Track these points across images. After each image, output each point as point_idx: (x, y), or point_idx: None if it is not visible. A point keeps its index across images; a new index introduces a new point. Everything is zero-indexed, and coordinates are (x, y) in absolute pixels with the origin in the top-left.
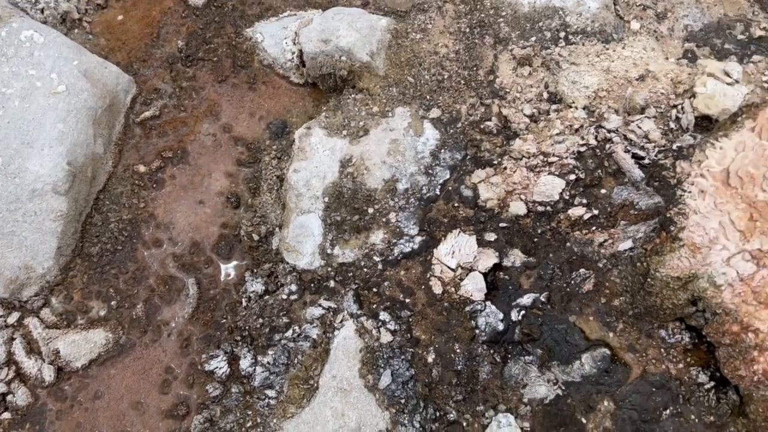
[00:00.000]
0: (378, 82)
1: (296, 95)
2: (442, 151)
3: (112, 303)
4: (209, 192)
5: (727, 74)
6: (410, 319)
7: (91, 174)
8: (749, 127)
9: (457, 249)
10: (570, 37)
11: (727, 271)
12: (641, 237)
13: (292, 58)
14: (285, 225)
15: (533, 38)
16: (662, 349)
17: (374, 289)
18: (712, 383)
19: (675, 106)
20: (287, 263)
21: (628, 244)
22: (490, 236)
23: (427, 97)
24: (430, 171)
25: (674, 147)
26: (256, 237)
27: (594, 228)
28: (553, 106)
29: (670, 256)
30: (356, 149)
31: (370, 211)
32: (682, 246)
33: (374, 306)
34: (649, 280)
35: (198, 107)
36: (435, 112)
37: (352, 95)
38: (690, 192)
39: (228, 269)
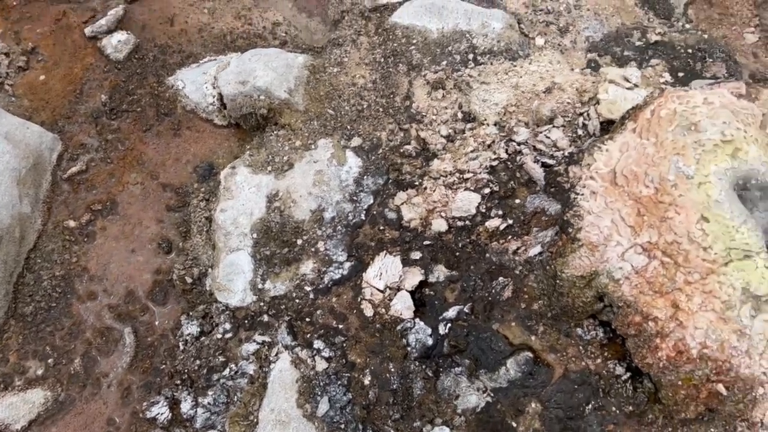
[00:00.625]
0: (299, 117)
1: (221, 137)
2: (365, 177)
3: (49, 361)
4: (141, 240)
5: (627, 79)
6: (344, 345)
7: (19, 234)
8: (631, 128)
9: (385, 271)
10: (478, 58)
11: (623, 266)
12: (548, 241)
13: (214, 102)
14: (215, 265)
15: (444, 62)
16: (580, 347)
17: (307, 319)
18: (628, 374)
19: (581, 114)
20: (220, 302)
21: (538, 249)
22: (416, 255)
23: (348, 126)
24: (354, 198)
25: (566, 154)
26: (189, 279)
27: (510, 237)
28: (468, 125)
29: (572, 257)
30: (282, 183)
31: (299, 242)
32: (581, 246)
33: (308, 335)
34: (558, 281)
35: (125, 158)
36: (356, 141)
37: (275, 132)
38: (583, 194)
39: (164, 314)
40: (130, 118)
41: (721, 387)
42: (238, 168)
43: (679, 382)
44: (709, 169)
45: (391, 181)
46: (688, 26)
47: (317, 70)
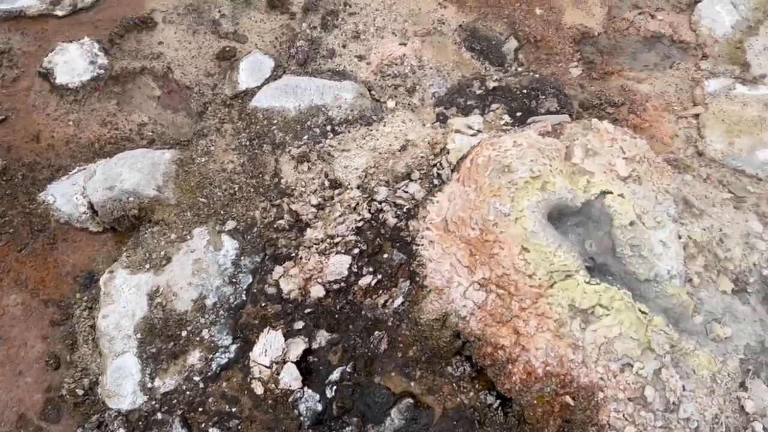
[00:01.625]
0: (172, 210)
1: (98, 243)
2: (243, 257)
3: None
4: (27, 361)
5: (470, 127)
6: (239, 427)
7: None
8: (456, 178)
9: (269, 346)
10: (336, 128)
11: (466, 303)
12: (406, 291)
13: (85, 211)
14: (103, 372)
15: (306, 137)
16: (454, 384)
17: (200, 409)
18: (498, 401)
19: (434, 165)
20: (112, 409)
21: (401, 299)
22: (299, 324)
23: (222, 211)
24: (234, 279)
25: (404, 210)
26: (80, 392)
27: (380, 291)
28: (336, 191)
29: (424, 303)
30: (161, 279)
31: (183, 333)
32: (429, 292)
33: (203, 425)
34: (419, 327)
35: (2, 281)
36: (231, 224)
37: (149, 229)
38: (422, 245)
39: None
40: (3, 240)
41: (568, 398)
42: (116, 271)
43: (535, 401)
44: (523, 204)
45: (268, 257)
46: (520, 69)
47: (185, 162)
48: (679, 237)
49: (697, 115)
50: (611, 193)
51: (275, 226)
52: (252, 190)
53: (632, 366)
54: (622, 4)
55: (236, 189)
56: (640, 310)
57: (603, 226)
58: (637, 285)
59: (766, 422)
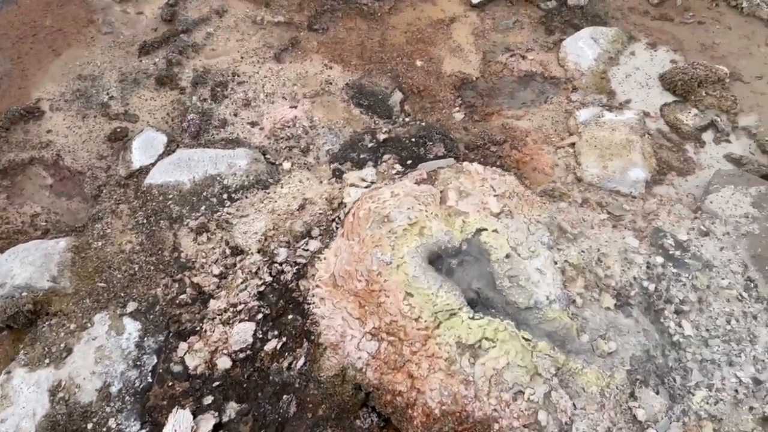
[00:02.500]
0: (69, 300)
1: None
2: (146, 338)
3: None
4: None
5: (364, 179)
6: None
7: None
8: (340, 233)
9: (178, 426)
10: (233, 195)
11: (361, 355)
12: (306, 351)
13: None
14: None
15: (203, 207)
16: None
17: None
18: None
19: (333, 220)
20: None
21: (303, 360)
22: (208, 399)
23: (122, 294)
24: (138, 362)
25: (294, 270)
26: None
27: (286, 353)
28: (238, 258)
29: (323, 360)
30: (63, 372)
31: (89, 426)
32: (325, 348)
33: None
34: (322, 384)
35: None
36: (132, 306)
37: (47, 322)
38: (314, 303)
39: None
40: None
41: None
42: (13, 371)
43: None
44: (403, 251)
45: (172, 334)
46: (407, 119)
47: (82, 248)
48: (555, 263)
49: (572, 144)
50: (486, 229)
51: (178, 301)
52: (152, 267)
53: (523, 393)
54: (495, 49)
55: (136, 269)
56: (524, 338)
57: (482, 262)
58: (520, 314)
59: (659, 427)
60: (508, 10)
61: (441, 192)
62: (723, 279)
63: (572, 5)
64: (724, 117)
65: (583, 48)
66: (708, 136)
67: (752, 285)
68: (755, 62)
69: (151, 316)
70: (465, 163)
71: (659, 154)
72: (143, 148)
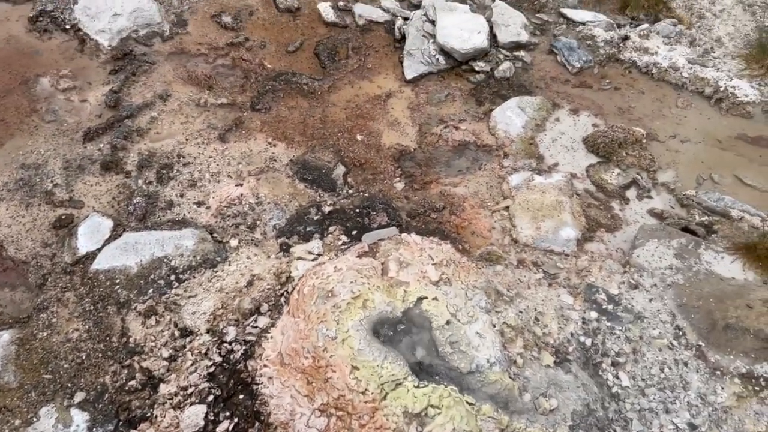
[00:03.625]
0: (13, 395)
1: None
2: (95, 429)
3: None
4: None
5: (310, 252)
6: None
7: None
8: (286, 311)
9: None
10: (181, 276)
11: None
12: (256, 431)
13: None
14: None
15: (150, 290)
16: None
17: None
18: None
19: (282, 294)
20: None
21: None
22: None
23: (69, 384)
24: None
25: (243, 349)
26: None
27: None
28: (187, 339)
29: None
30: None
31: None
32: (275, 428)
33: None
34: None
35: None
36: (80, 396)
37: None
38: (262, 383)
39: None
40: None
41: None
42: None
43: None
44: (348, 325)
45: (121, 422)
46: (351, 191)
47: (26, 340)
48: (494, 325)
49: (507, 208)
50: (426, 298)
51: (127, 388)
52: (100, 355)
53: None
54: (430, 121)
55: (83, 357)
56: (467, 402)
57: (424, 330)
58: (463, 378)
59: None
60: (440, 84)
61: (382, 264)
62: (654, 329)
63: (499, 77)
64: (644, 175)
65: (511, 117)
66: (631, 193)
67: (681, 333)
68: (668, 123)
69: (100, 406)
70: (404, 235)
71: (588, 212)
72: (89, 234)
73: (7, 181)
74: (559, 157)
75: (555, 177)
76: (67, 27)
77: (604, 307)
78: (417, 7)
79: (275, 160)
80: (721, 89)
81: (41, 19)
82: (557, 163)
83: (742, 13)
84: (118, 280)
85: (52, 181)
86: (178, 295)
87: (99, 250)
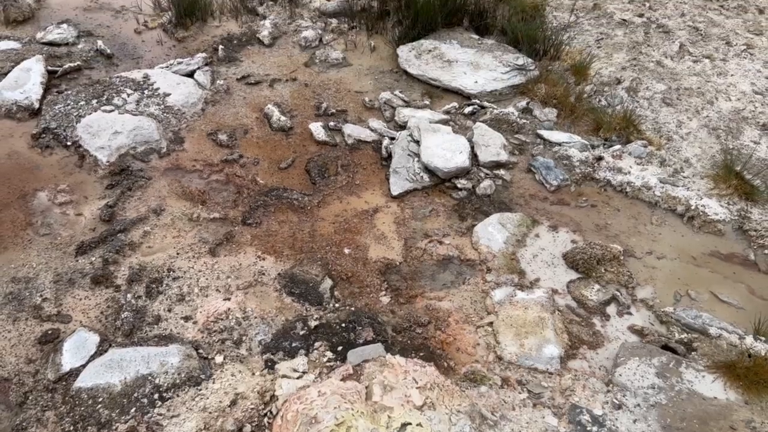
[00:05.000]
0: None
1: None
2: None
3: None
4: None
5: (295, 370)
6: None
7: None
8: (277, 425)
9: None
10: (164, 395)
11: None
12: None
13: None
14: None
15: (133, 410)
16: None
17: None
18: None
19: (265, 414)
20: None
21: None
22: None
23: None
24: None
25: None
26: None
27: None
28: None
29: None
30: None
31: None
32: None
33: None
34: None
35: None
36: None
37: None
38: None
39: None
40: None
41: None
42: None
43: None
44: None
45: None
46: (337, 305)
47: None
48: None
49: (491, 323)
50: (410, 424)
51: None
52: None
53: None
54: (415, 235)
55: None
56: None
57: None
58: None
59: None
60: (425, 200)
61: (366, 388)
62: None
63: (480, 194)
64: (623, 291)
65: (492, 232)
66: (612, 309)
67: None
68: (644, 239)
69: None
70: (389, 356)
71: (570, 328)
72: (74, 350)
73: None
74: (541, 273)
75: (537, 293)
76: (69, 143)
77: (588, 429)
78: (403, 127)
79: (264, 274)
80: (692, 208)
81: (44, 135)
82: (539, 279)
83: (707, 136)
84: (100, 399)
85: (41, 295)
86: (161, 414)
87: (83, 366)
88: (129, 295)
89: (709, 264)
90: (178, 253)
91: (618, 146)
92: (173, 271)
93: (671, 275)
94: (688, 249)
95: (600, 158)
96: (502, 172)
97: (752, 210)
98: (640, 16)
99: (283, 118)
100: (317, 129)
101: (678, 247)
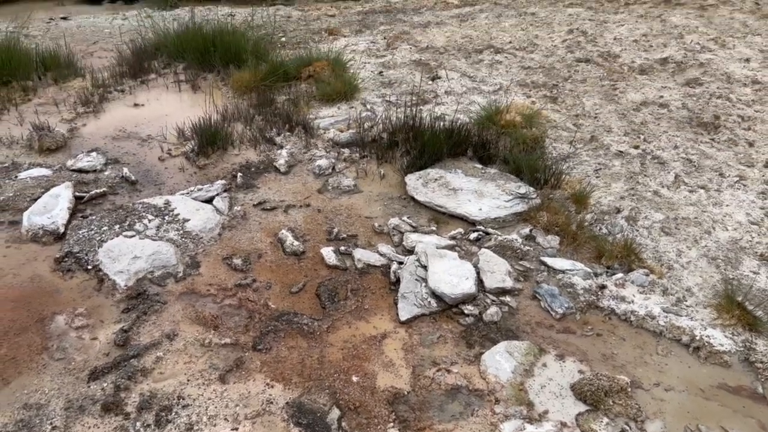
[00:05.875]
0: None
1: None
2: None
3: None
4: None
5: None
6: None
7: None
8: None
9: None
10: None
11: None
12: None
13: None
14: None
15: None
16: None
17: None
18: None
19: None
20: None
21: None
22: None
23: None
24: None
25: None
26: None
27: None
28: None
29: None
30: None
31: None
32: None
33: None
34: None
35: None
36: None
37: None
38: None
39: None
40: None
41: None
42: None
43: None
44: None
45: None
46: None
47: None
48: None
49: None
50: None
51: None
52: None
53: None
54: (423, 363)
55: None
56: None
57: None
58: None
59: None
60: (433, 326)
61: None
62: None
63: (487, 321)
64: (632, 425)
65: (500, 361)
66: None
67: None
68: (651, 370)
69: None
70: None
71: None
72: None
73: (7, 422)
74: (549, 405)
75: (546, 426)
76: (89, 267)
77: None
78: (410, 252)
79: (272, 403)
80: (697, 338)
81: (66, 259)
82: (547, 411)
83: (708, 266)
84: None
85: (51, 423)
86: None
87: None
88: (138, 423)
89: (717, 397)
90: (188, 380)
91: (620, 275)
92: (183, 399)
93: (680, 408)
94: (695, 381)
95: (603, 286)
96: (508, 298)
97: (757, 341)
98: (636, 147)
99: (296, 242)
100: (328, 253)
101: (685, 379)
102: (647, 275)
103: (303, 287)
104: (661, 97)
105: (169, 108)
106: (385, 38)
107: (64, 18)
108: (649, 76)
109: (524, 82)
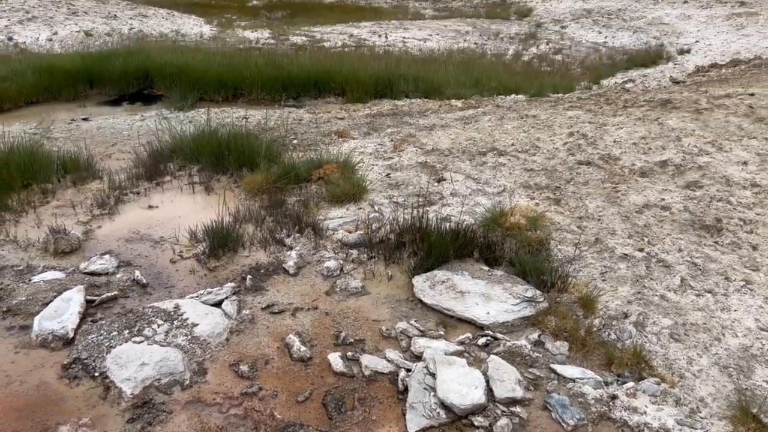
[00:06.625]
0: None
1: None
2: None
3: None
4: None
5: None
6: None
7: None
8: None
9: None
10: None
11: None
12: None
13: None
14: None
15: None
16: None
17: None
18: None
19: None
20: None
21: None
22: None
23: None
24: None
25: None
26: None
27: None
28: None
29: None
30: None
31: None
32: None
33: None
34: None
35: None
36: None
37: None
38: None
39: None
40: None
41: None
42: None
43: None
44: None
45: None
46: None
47: None
48: None
49: None
50: None
51: None
52: None
53: None
54: None
55: None
56: None
57: None
58: None
59: None
60: None
61: None
62: None
63: None
64: None
65: None
66: None
67: None
68: None
69: None
70: None
71: None
72: None
73: None
74: None
75: None
76: (96, 374)
77: None
78: (418, 358)
79: None
80: None
81: (74, 366)
82: None
83: (720, 374)
84: None
85: None
86: None
87: None
88: None
89: None
90: None
91: (631, 383)
92: None
93: None
94: None
95: (615, 396)
96: (518, 409)
97: None
98: (640, 250)
99: (303, 348)
100: (335, 360)
101: None
102: (659, 384)
103: (309, 396)
104: (663, 199)
105: (183, 210)
106: (392, 140)
107: (85, 119)
108: (650, 179)
109: (527, 184)
